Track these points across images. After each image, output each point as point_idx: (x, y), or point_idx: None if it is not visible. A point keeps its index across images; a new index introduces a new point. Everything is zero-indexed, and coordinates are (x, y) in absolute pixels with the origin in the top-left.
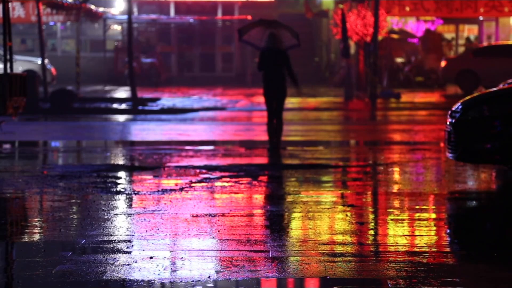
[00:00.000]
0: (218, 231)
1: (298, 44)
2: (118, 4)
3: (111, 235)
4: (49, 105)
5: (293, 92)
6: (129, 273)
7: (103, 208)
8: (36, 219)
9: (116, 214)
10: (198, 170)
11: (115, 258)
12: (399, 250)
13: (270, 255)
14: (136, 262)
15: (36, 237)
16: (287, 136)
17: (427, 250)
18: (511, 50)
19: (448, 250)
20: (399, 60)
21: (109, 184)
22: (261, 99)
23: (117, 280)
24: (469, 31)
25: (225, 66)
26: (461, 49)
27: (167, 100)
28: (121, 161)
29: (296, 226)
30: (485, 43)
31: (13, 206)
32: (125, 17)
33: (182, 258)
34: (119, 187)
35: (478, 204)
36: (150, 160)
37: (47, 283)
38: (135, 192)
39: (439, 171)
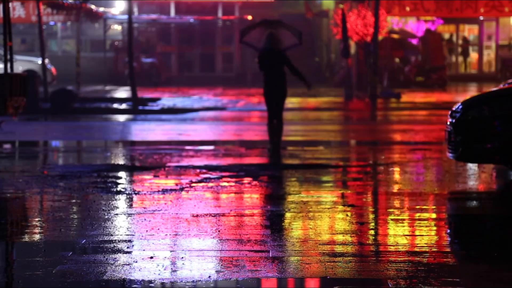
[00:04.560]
0: (219, 231)
1: (300, 43)
2: (118, 4)
3: (112, 235)
4: (49, 105)
5: (293, 92)
6: (129, 273)
7: (104, 208)
8: (36, 219)
9: (117, 214)
10: (198, 170)
11: (115, 258)
12: (399, 250)
13: (271, 255)
14: (136, 262)
15: (36, 237)
16: (287, 136)
17: (427, 250)
18: None
19: (448, 250)
20: (399, 60)
21: (110, 184)
22: (261, 99)
23: (117, 280)
24: (469, 31)
25: (225, 66)
26: (460, 49)
27: (167, 100)
28: (121, 161)
29: (296, 226)
30: None
31: (13, 206)
32: (125, 17)
33: (182, 258)
34: (119, 187)
35: (478, 204)
36: (151, 160)
37: (47, 283)
38: (136, 192)
39: (439, 171)
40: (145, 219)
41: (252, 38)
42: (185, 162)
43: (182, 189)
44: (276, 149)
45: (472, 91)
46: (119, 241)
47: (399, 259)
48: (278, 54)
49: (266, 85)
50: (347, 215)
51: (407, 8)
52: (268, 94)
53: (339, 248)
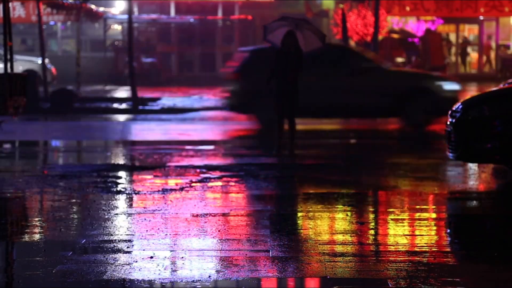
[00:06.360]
0: (219, 230)
1: (323, 46)
2: (118, 4)
3: (112, 235)
4: (49, 105)
5: None
6: (129, 272)
7: (104, 207)
8: (36, 219)
9: (117, 214)
10: (198, 170)
11: (115, 258)
12: (399, 250)
13: (271, 255)
14: (136, 261)
15: (36, 236)
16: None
17: (427, 250)
18: None
19: (448, 250)
20: (399, 60)
21: (110, 184)
22: None
23: (117, 280)
24: (470, 31)
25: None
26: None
27: (168, 99)
28: (121, 161)
29: (296, 226)
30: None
31: (13, 206)
32: (125, 17)
33: (182, 257)
34: (119, 187)
35: (478, 204)
36: (151, 159)
37: (47, 283)
38: (136, 191)
39: (439, 171)
40: (145, 219)
41: (276, 37)
42: (185, 162)
43: (182, 189)
44: (292, 148)
45: (472, 91)
46: (119, 241)
47: (399, 259)
48: (295, 53)
49: (279, 84)
50: (347, 215)
51: (407, 8)
52: (280, 93)
53: (339, 248)
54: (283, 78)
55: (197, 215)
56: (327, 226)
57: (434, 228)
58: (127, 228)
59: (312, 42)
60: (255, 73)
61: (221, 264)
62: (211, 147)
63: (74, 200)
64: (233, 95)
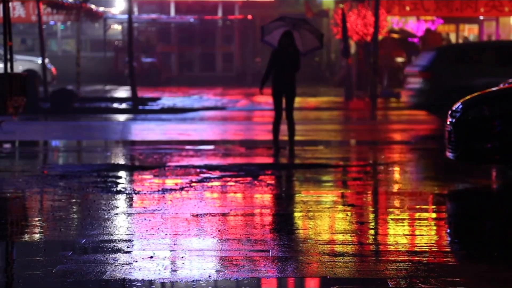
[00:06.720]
0: (219, 230)
1: (321, 47)
2: (118, 4)
3: (112, 235)
4: (49, 105)
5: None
6: (129, 272)
7: (104, 207)
8: (36, 219)
9: (117, 214)
10: (198, 170)
11: (115, 258)
12: (399, 249)
13: (271, 255)
14: (136, 261)
15: (36, 236)
16: (287, 135)
17: (427, 249)
18: None
19: (448, 250)
20: (399, 59)
21: (110, 184)
22: (261, 99)
23: (117, 280)
24: (470, 30)
25: (225, 66)
26: None
27: (168, 99)
28: (121, 161)
29: (296, 226)
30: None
31: (13, 206)
32: (125, 16)
33: (182, 257)
34: (119, 187)
35: (478, 204)
36: (151, 159)
37: (47, 282)
38: (136, 191)
39: (439, 170)
40: (145, 219)
41: (274, 39)
42: (185, 161)
43: (182, 189)
44: (291, 148)
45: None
46: (119, 241)
47: (399, 259)
48: (292, 53)
49: (276, 84)
50: (347, 215)
51: (407, 8)
52: (277, 93)
53: (339, 248)
54: (281, 78)
55: (197, 215)
56: (327, 226)
57: (434, 228)
58: (127, 228)
59: (310, 42)
60: (444, 72)
61: (221, 264)
62: (211, 147)
63: (74, 200)
64: (421, 94)
